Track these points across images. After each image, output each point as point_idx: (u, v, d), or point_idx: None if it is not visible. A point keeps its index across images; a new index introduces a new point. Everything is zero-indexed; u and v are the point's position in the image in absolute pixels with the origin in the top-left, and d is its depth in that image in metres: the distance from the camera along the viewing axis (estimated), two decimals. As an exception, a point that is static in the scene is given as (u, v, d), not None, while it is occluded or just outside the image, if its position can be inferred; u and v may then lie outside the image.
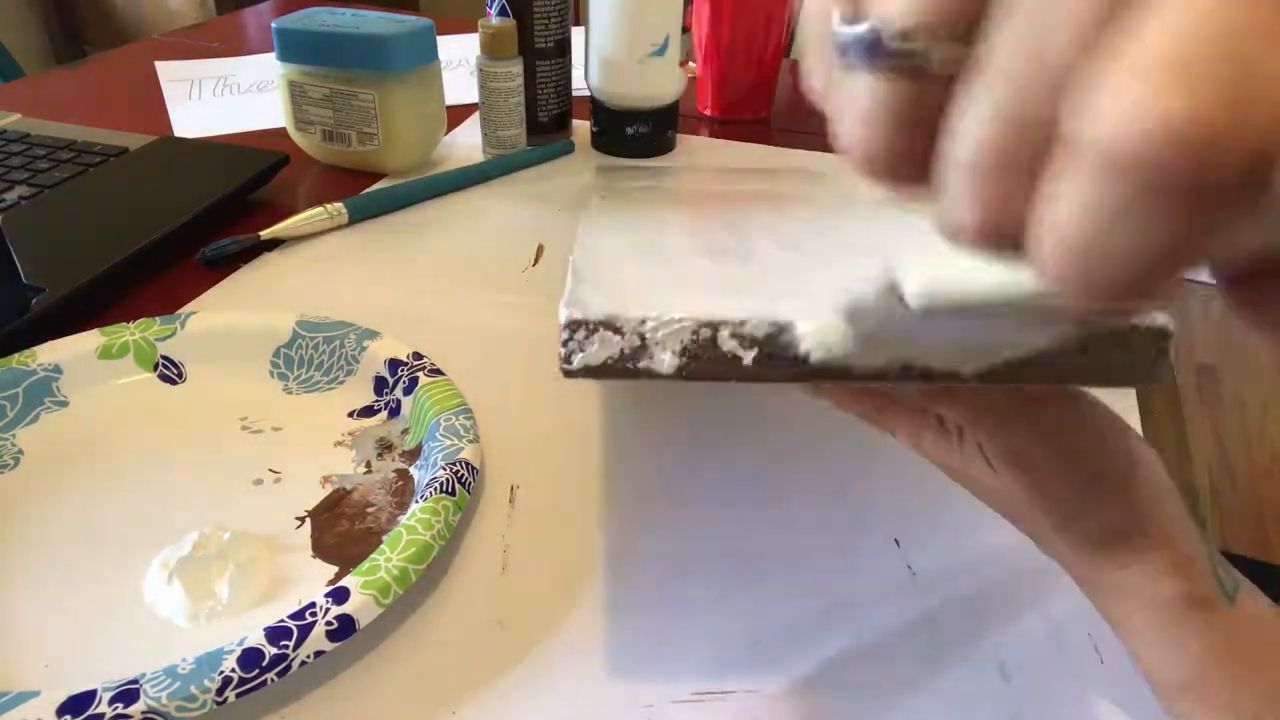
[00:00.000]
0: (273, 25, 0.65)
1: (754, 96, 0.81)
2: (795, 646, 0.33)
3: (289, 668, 0.30)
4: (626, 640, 0.33)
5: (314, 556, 0.36)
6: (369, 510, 0.38)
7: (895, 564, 0.37)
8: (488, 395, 0.44)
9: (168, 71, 0.90)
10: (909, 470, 0.36)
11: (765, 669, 0.32)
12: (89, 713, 0.28)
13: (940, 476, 0.32)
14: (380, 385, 0.44)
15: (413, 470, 0.40)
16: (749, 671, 0.32)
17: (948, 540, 0.38)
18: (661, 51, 0.68)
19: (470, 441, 0.39)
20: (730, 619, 0.34)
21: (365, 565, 0.33)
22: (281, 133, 0.71)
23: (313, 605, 0.31)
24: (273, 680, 0.30)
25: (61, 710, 0.28)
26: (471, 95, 0.83)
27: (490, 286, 0.55)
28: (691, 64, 0.80)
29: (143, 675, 0.29)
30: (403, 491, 0.39)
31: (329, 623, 0.31)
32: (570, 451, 0.42)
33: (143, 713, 0.28)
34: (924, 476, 0.33)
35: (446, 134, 0.74)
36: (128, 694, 0.28)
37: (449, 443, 0.39)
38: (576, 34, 0.75)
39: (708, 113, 0.83)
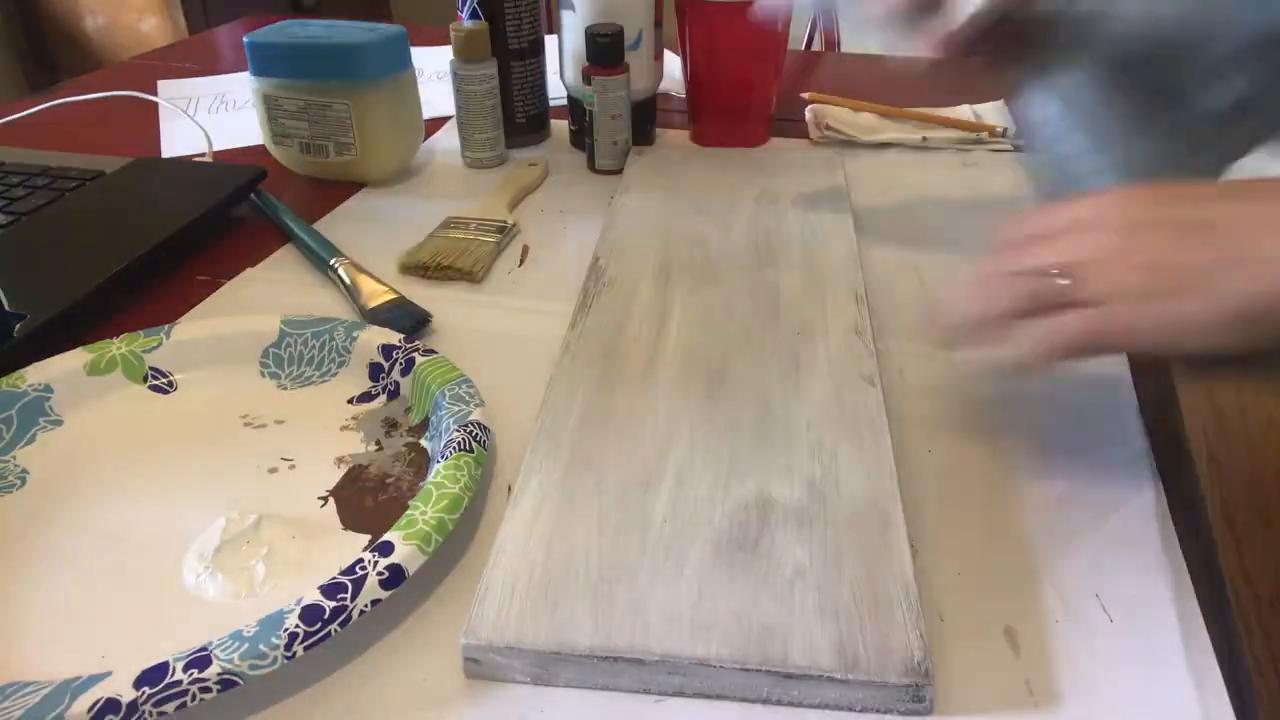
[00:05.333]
0: (244, 40, 0.65)
1: (744, 127, 0.75)
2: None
3: (349, 618, 0.31)
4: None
5: (345, 530, 0.38)
6: (389, 481, 0.40)
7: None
8: (483, 396, 0.43)
9: (167, 90, 0.90)
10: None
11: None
12: (166, 681, 0.29)
13: (946, 455, 0.35)
14: (375, 371, 0.46)
15: (423, 442, 0.42)
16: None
17: (954, 510, 0.39)
18: (635, 46, 0.69)
19: (478, 405, 0.41)
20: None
21: (403, 520, 0.35)
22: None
23: (361, 561, 0.33)
24: (335, 631, 0.31)
25: (139, 683, 0.29)
26: (451, 107, 0.83)
27: (477, 288, 0.56)
28: (667, 55, 0.80)
29: (210, 643, 0.30)
30: (418, 462, 0.41)
31: (380, 573, 0.32)
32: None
33: (218, 674, 0.29)
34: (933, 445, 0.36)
35: (424, 141, 0.74)
36: (200, 661, 0.30)
37: (458, 408, 0.41)
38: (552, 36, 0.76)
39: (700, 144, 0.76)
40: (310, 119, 0.66)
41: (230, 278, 0.57)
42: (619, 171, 0.69)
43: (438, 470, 0.37)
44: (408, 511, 0.35)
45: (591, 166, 0.71)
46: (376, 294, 0.53)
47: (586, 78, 0.67)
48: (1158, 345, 0.34)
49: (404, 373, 0.45)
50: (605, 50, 0.66)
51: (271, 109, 0.67)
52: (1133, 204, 0.35)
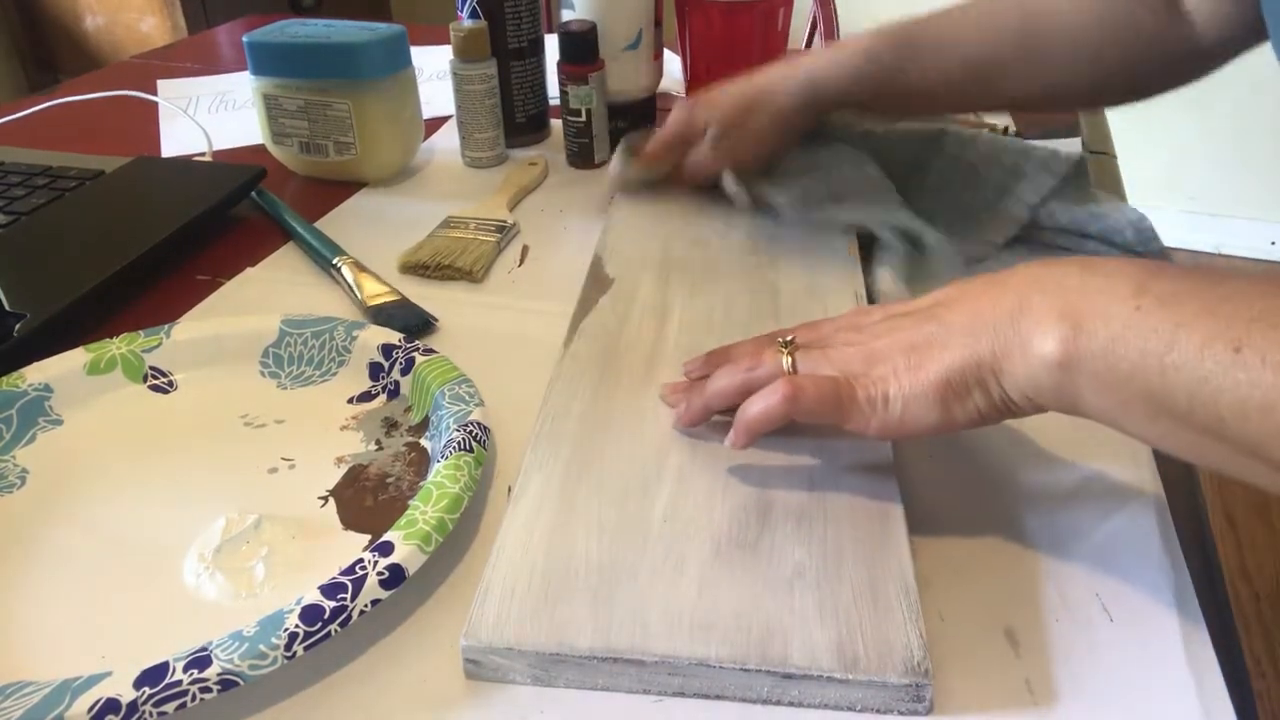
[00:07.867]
0: (244, 39, 0.65)
1: None
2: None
3: (349, 618, 0.31)
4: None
5: (345, 529, 0.38)
6: (389, 481, 0.40)
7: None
8: (483, 396, 0.43)
9: (167, 90, 0.90)
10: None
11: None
12: (166, 681, 0.29)
13: (949, 456, 0.35)
14: (375, 370, 0.46)
15: (423, 442, 0.42)
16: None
17: (954, 510, 0.39)
18: (635, 46, 0.69)
19: (478, 405, 0.41)
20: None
21: (403, 520, 0.35)
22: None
23: (361, 561, 0.33)
24: (335, 631, 0.31)
25: (139, 683, 0.29)
26: (451, 107, 0.83)
27: (477, 288, 0.56)
28: (667, 54, 0.80)
29: (210, 643, 0.30)
30: (418, 462, 0.41)
31: (380, 573, 0.32)
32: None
33: (218, 674, 0.29)
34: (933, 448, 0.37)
35: (424, 140, 0.74)
36: (200, 661, 0.30)
37: (457, 408, 0.41)
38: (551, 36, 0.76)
39: None
40: (310, 118, 0.66)
41: (230, 277, 0.57)
42: None
43: (438, 470, 0.37)
44: (408, 511, 0.35)
45: (592, 164, 0.71)
46: (379, 294, 0.53)
47: (583, 77, 0.67)
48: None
49: (404, 372, 0.45)
50: (583, 46, 0.66)
51: (271, 109, 0.67)
52: (865, 312, 0.39)
